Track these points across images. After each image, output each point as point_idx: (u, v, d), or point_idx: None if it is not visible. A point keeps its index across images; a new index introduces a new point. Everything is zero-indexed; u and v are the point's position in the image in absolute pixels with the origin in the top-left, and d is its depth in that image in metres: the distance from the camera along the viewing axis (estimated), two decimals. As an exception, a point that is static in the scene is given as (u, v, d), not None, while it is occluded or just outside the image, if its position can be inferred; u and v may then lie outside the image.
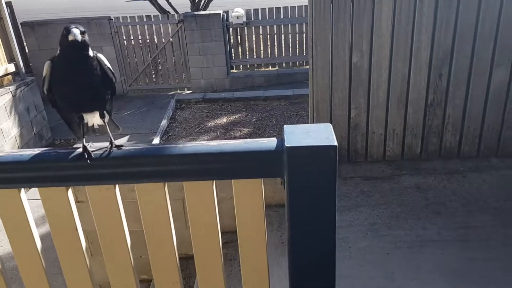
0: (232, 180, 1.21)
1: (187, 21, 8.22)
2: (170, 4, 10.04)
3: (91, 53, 1.15)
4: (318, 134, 1.18)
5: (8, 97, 6.46)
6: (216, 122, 6.81)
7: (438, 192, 3.00)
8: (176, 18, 8.37)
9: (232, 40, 8.75)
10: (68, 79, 1.15)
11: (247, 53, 8.82)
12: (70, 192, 1.24)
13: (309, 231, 1.19)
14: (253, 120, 6.76)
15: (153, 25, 8.40)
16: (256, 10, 8.48)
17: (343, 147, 3.34)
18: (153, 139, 6.37)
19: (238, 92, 7.58)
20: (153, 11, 10.00)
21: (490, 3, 2.89)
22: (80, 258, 1.29)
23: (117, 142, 1.23)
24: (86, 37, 1.15)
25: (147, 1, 10.40)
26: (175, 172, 1.18)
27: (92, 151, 1.17)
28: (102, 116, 1.28)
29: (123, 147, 1.18)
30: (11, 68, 6.79)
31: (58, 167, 1.19)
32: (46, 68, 1.16)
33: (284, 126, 1.22)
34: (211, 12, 8.45)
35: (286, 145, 1.12)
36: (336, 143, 1.12)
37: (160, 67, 8.78)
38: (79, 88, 1.17)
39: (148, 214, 1.25)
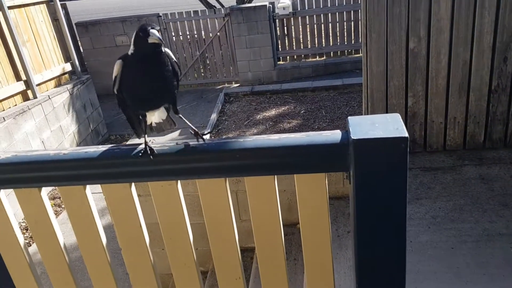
0: (295, 175, 1.17)
1: (234, 15, 8.23)
2: (216, -2, 10.11)
3: (162, 49, 1.13)
4: (386, 125, 1.12)
5: (66, 95, 6.75)
6: (264, 115, 6.79)
7: (505, 183, 2.83)
8: (223, 12, 8.40)
9: (278, 32, 8.67)
10: (142, 77, 1.14)
11: (294, 44, 8.71)
12: (133, 188, 1.25)
13: (378, 229, 1.14)
14: (302, 111, 6.68)
15: (200, 20, 8.48)
16: (302, 0, 8.35)
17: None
18: (203, 133, 6.44)
19: (285, 84, 7.51)
20: (200, 7, 10.09)
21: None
22: (143, 251, 1.31)
23: (179, 136, 1.24)
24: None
25: (194, -3, 10.51)
26: (236, 167, 1.16)
27: (154, 146, 1.16)
28: (175, 112, 1.29)
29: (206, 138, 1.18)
30: (68, 67, 7.08)
31: (122, 164, 1.20)
32: (117, 68, 1.16)
33: (348, 118, 1.17)
34: (257, 4, 8.41)
35: (352, 137, 1.07)
36: (407, 134, 1.06)
37: (208, 62, 8.87)
38: (152, 84, 1.16)
39: (209, 209, 1.24)
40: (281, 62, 8.84)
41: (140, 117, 1.26)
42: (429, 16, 2.85)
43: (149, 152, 1.13)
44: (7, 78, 5.77)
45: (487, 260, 2.28)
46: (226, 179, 1.20)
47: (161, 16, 8.53)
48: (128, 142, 7.34)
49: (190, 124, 1.23)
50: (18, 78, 5.96)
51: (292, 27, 8.60)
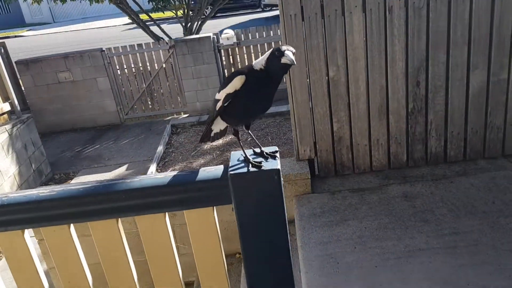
0: (184, 211, 1.22)
1: (178, 46, 8.32)
2: (162, 30, 10.19)
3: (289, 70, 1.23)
4: (262, 158, 1.19)
5: (4, 136, 6.55)
6: (212, 144, 6.84)
7: (426, 199, 2.98)
8: (168, 44, 8.48)
9: (224, 61, 8.83)
10: (264, 92, 1.22)
11: (240, 73, 8.88)
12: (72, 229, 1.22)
13: (263, 253, 1.19)
14: (249, 139, 6.77)
15: (145, 52, 8.51)
16: (245, 30, 8.58)
17: (329, 161, 3.34)
18: (149, 166, 6.39)
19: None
20: (148, 39, 10.14)
21: (459, 10, 2.91)
22: None
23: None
24: None
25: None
26: (125, 207, 1.19)
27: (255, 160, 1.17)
28: (247, 127, 1.34)
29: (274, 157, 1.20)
30: (7, 107, 6.89)
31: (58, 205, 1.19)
32: (237, 82, 1.21)
33: (232, 152, 1.24)
34: (201, 35, 8.56)
35: (230, 172, 1.13)
36: (279, 167, 1.13)
37: (155, 94, 8.87)
38: (268, 100, 1.24)
39: (103, 250, 1.25)
40: (228, 91, 8.96)
41: (232, 128, 1.33)
42: (345, 46, 3.02)
43: (257, 164, 1.14)
44: None
45: (407, 275, 2.38)
46: (118, 220, 1.22)
47: (104, 50, 8.50)
48: (73, 181, 7.16)
49: (257, 141, 1.28)
50: (-49, 120, 5.74)
51: (238, 56, 8.78)
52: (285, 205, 1.15)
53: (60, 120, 8.95)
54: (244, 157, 1.18)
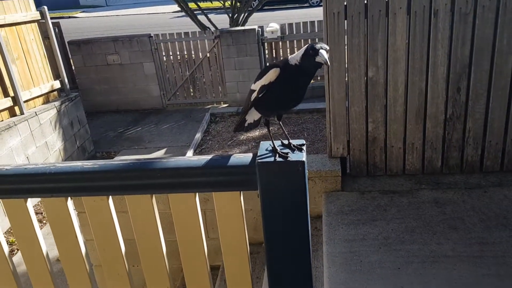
0: (213, 193, 1.30)
1: (223, 37, 8.45)
2: (209, 20, 10.35)
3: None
4: (290, 149, 1.26)
5: (53, 112, 6.89)
6: (248, 135, 6.94)
7: (457, 207, 2.95)
8: (213, 34, 8.62)
9: (267, 54, 8.89)
10: (296, 86, 1.28)
11: (282, 66, 8.93)
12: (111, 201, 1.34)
13: (284, 240, 1.26)
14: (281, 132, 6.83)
15: (191, 41, 8.70)
16: (290, 25, 8.60)
17: (361, 161, 3.35)
18: (186, 152, 6.57)
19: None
20: (195, 27, 10.34)
21: (507, 19, 2.84)
22: (121, 267, 1.41)
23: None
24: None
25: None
26: (160, 185, 1.29)
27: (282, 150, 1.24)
28: (279, 119, 1.40)
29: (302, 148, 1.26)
30: (57, 84, 7.23)
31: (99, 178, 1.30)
32: (272, 75, 1.29)
33: (261, 142, 1.31)
34: (246, 27, 8.65)
35: (258, 160, 1.20)
36: (304, 159, 1.19)
37: (197, 82, 9.06)
38: (300, 94, 1.31)
39: (137, 225, 1.36)
40: (268, 84, 9.03)
41: (264, 119, 1.41)
42: (386, 47, 3.02)
43: (283, 155, 1.20)
44: (-5, 94, 5.91)
45: (429, 280, 2.39)
46: (152, 195, 1.32)
47: (152, 36, 8.74)
48: (115, 158, 7.45)
49: (286, 133, 1.35)
50: (5, 94, 6.10)
51: (281, 50, 8.83)
52: (307, 196, 1.21)
53: (106, 101, 9.30)
54: (272, 147, 1.25)
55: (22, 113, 6.30)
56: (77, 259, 1.40)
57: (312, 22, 8.50)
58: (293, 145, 1.27)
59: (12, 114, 6.23)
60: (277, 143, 1.29)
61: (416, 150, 3.26)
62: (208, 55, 8.72)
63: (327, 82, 3.16)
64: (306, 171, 1.21)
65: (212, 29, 9.80)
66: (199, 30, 9.82)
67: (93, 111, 9.33)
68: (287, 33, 8.63)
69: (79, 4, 33.07)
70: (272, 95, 1.30)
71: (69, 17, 27.74)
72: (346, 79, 3.14)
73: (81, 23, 24.37)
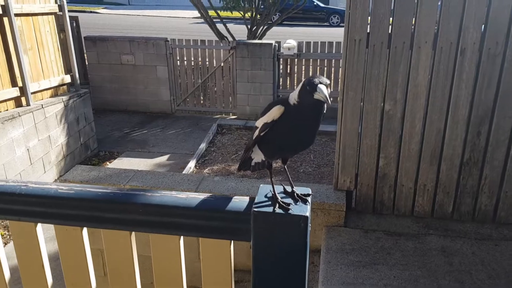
0: (200, 238, 1.14)
1: (239, 48, 8.35)
2: (228, 30, 10.27)
3: (325, 107, 1.07)
4: (293, 199, 1.09)
5: (60, 106, 6.79)
6: (253, 151, 6.78)
7: (465, 259, 2.76)
8: (229, 45, 8.53)
9: (281, 70, 8.77)
10: (299, 129, 1.11)
11: (295, 84, 8.79)
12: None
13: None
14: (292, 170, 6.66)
15: (206, 49, 8.61)
16: (308, 43, 8.48)
17: (368, 197, 3.17)
18: (189, 161, 6.42)
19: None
20: (213, 35, 10.27)
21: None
22: None
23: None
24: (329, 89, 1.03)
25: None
26: (141, 222, 1.13)
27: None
28: (284, 162, 1.23)
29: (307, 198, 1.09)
30: (67, 79, 7.14)
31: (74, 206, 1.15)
32: (277, 113, 1.11)
33: (261, 185, 1.15)
34: (263, 41, 8.55)
35: (254, 208, 1.04)
36: (308, 214, 1.03)
37: (208, 90, 8.94)
38: (305, 137, 1.13)
39: (112, 261, 1.20)
40: (280, 101, 8.90)
41: (265, 159, 1.23)
42: (407, 81, 2.87)
43: (284, 206, 1.05)
44: (2, 83, 5.82)
45: None
46: (131, 233, 1.16)
47: (168, 41, 8.66)
48: (116, 160, 7.32)
49: (290, 179, 1.18)
50: (13, 84, 6.01)
51: (296, 67, 8.70)
52: (307, 257, 1.05)
53: (116, 100, 9.21)
54: (272, 194, 1.09)
55: (28, 104, 6.20)
56: (41, 290, 1.25)
57: (331, 43, 8.37)
58: (297, 194, 1.10)
59: (18, 104, 6.13)
60: (279, 189, 1.13)
61: (427, 192, 3.08)
62: (222, 64, 8.62)
63: (340, 110, 3.01)
64: (309, 227, 1.04)
65: (230, 39, 9.71)
66: (217, 38, 9.74)
67: (102, 109, 9.24)
68: (304, 51, 8.50)
69: (102, 0, 33.37)
70: (274, 136, 1.14)
71: (91, 11, 27.94)
72: (361, 109, 2.98)
73: (102, 19, 24.50)
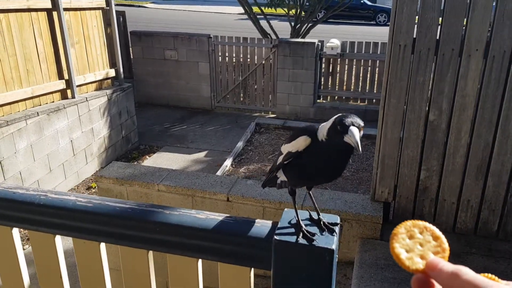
0: (218, 263, 1.08)
1: (281, 47, 8.26)
2: (271, 27, 10.19)
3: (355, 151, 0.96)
4: (319, 228, 1.01)
5: (104, 99, 6.94)
6: (291, 152, 6.68)
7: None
8: (271, 43, 8.45)
9: (323, 70, 8.61)
10: (322, 166, 1.02)
11: (337, 84, 8.62)
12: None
13: None
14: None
15: (248, 47, 8.57)
16: (352, 43, 8.27)
17: (407, 210, 3.03)
18: (226, 159, 6.41)
19: (319, 124, 7.38)
20: (256, 32, 10.22)
21: None
22: None
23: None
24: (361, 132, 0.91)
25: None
26: (158, 241, 1.08)
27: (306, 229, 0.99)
28: (309, 188, 1.15)
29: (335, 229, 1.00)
30: (112, 73, 7.30)
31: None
32: (301, 143, 1.01)
33: (285, 209, 1.07)
34: (306, 40, 8.41)
35: (275, 236, 0.97)
36: (334, 247, 0.95)
37: (248, 88, 8.91)
38: (328, 175, 1.04)
39: (129, 281, 1.16)
40: (320, 101, 8.75)
41: (290, 187, 1.15)
42: (454, 90, 2.69)
43: (308, 235, 0.97)
44: (49, 75, 6.00)
45: None
46: (148, 251, 1.12)
47: (211, 37, 8.68)
48: (155, 155, 7.42)
49: (316, 205, 1.09)
50: (60, 76, 6.19)
51: (338, 67, 8.52)
52: (332, 292, 0.96)
53: (158, 94, 9.34)
54: (296, 221, 1.01)
55: (73, 97, 6.37)
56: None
57: (376, 43, 8.12)
58: (324, 222, 1.02)
59: (64, 97, 6.31)
60: (304, 215, 1.04)
61: (471, 209, 2.90)
62: (263, 62, 8.56)
63: (381, 118, 2.87)
64: (335, 260, 0.96)
65: (273, 36, 9.63)
66: (260, 35, 9.68)
67: (144, 103, 9.41)
68: (347, 51, 8.31)
69: (151, -6, 34.06)
70: (298, 166, 1.04)
71: (139, 6, 28.56)
72: (403, 118, 2.84)
73: (149, 14, 25.00)
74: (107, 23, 7.36)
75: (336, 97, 8.68)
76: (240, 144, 6.68)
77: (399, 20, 2.60)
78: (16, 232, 1.20)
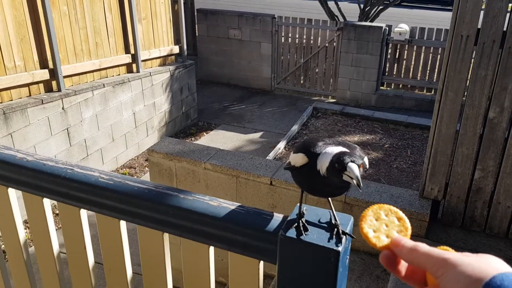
0: (229, 253, 1.08)
1: (346, 30, 8.02)
2: (339, 9, 9.90)
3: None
4: (327, 227, 0.98)
5: (166, 75, 7.14)
6: (346, 139, 6.54)
7: None
8: (336, 26, 8.22)
9: (389, 56, 8.28)
10: (319, 186, 0.97)
11: (402, 72, 8.25)
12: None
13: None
14: (387, 145, 6.31)
15: (312, 29, 8.40)
16: (422, 29, 7.85)
17: (457, 210, 2.87)
18: (280, 141, 6.40)
19: (378, 112, 7.15)
20: (323, 14, 9.99)
21: None
22: None
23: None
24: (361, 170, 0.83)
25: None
26: (172, 224, 1.10)
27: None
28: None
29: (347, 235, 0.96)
30: (176, 50, 7.47)
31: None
32: (299, 161, 0.97)
33: (297, 204, 1.04)
34: (372, 24, 8.10)
35: (282, 231, 0.95)
36: (339, 248, 0.91)
37: (309, 71, 8.78)
38: (333, 193, 1.00)
39: (146, 260, 1.19)
40: (384, 88, 8.44)
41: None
42: (520, 87, 2.48)
43: (301, 229, 0.95)
44: (116, 49, 6.25)
45: None
46: (163, 233, 1.14)
47: (275, 18, 8.61)
48: (212, 132, 7.56)
49: (333, 210, 1.00)
50: (127, 51, 6.43)
51: (405, 53, 8.15)
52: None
53: (219, 73, 9.47)
54: (297, 214, 0.98)
55: (138, 71, 6.61)
56: (84, 272, 1.29)
57: (447, 30, 7.65)
58: (339, 228, 0.96)
59: (129, 70, 6.56)
60: (325, 216, 1.00)
61: (529, 215, 2.69)
62: (326, 45, 8.37)
63: (436, 111, 2.71)
64: (343, 262, 0.93)
65: (340, 18, 9.36)
66: (327, 17, 9.44)
67: (206, 80, 9.57)
68: (416, 37, 7.91)
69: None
70: (297, 178, 1.00)
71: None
72: (460, 114, 2.67)
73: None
74: (174, 0, 7.51)
75: (400, 85, 8.34)
76: (295, 128, 6.63)
77: (463, 9, 2.42)
78: (47, 202, 1.27)
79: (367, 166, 0.88)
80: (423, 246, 0.60)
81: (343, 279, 0.97)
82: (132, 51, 6.49)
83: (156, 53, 7.05)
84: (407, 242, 0.62)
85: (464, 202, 2.83)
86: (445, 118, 2.69)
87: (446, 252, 0.57)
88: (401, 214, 0.69)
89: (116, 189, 1.13)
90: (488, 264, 0.53)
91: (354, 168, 0.80)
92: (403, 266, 0.64)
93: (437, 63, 7.90)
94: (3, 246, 1.46)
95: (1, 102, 4.67)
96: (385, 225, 0.68)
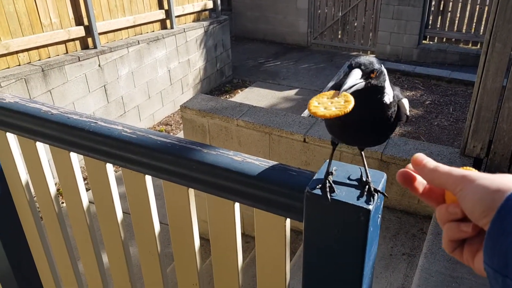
0: (254, 209, 1.04)
1: (388, -20, 7.59)
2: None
3: (387, 99, 0.80)
4: (358, 185, 0.92)
5: (200, 31, 7.05)
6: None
7: None
8: (377, -25, 7.80)
9: (432, 8, 7.81)
10: (351, 121, 0.83)
11: (447, 24, 7.80)
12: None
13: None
14: (427, 102, 6.07)
15: (352, -21, 8.02)
16: (471, -23, 7.33)
17: (501, 169, 2.72)
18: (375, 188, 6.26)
19: (420, 67, 6.84)
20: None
21: None
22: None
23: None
24: (378, 79, 0.75)
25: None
26: (196, 179, 1.07)
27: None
28: (361, 149, 0.99)
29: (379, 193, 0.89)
30: (210, 5, 7.32)
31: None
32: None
33: (326, 161, 0.98)
34: (417, -27, 7.62)
35: (308, 188, 0.90)
36: (370, 207, 0.85)
37: (348, 25, 8.44)
38: (361, 131, 0.87)
39: (172, 215, 1.18)
40: (426, 42, 8.03)
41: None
42: None
43: (327, 190, 0.88)
44: (150, 5, 6.18)
45: None
46: (188, 188, 1.11)
47: (312, -32, 8.25)
48: (247, 89, 7.48)
49: (366, 166, 0.92)
50: (160, 6, 6.35)
51: (450, 3, 7.67)
52: (365, 257, 0.88)
53: (254, 28, 9.26)
54: (325, 172, 0.92)
55: (172, 27, 6.55)
56: (113, 226, 1.30)
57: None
58: (370, 186, 0.89)
59: (163, 27, 6.51)
60: (356, 173, 0.94)
61: None
62: (366, -3, 7.98)
63: (482, 64, 2.53)
64: (375, 222, 0.87)
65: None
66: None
67: (240, 36, 9.41)
68: (464, -14, 7.40)
69: None
70: (326, 124, 0.91)
71: None
72: (508, 67, 2.48)
73: None
74: (209, -48, 7.29)
75: (444, 39, 7.90)
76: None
77: None
78: (74, 156, 1.27)
79: (402, 97, 0.83)
80: (444, 166, 0.59)
81: (374, 239, 0.91)
82: (166, 7, 6.41)
83: (189, 8, 6.94)
84: (429, 162, 0.62)
85: (508, 160, 2.68)
86: (491, 71, 2.50)
87: (466, 171, 0.57)
88: (350, 97, 0.70)
89: (139, 143, 1.10)
90: (508, 179, 0.52)
91: (356, 73, 0.73)
92: (419, 183, 0.65)
93: (484, 15, 7.40)
94: (37, 204, 1.49)
95: (40, 60, 4.74)
96: (331, 102, 0.71)
